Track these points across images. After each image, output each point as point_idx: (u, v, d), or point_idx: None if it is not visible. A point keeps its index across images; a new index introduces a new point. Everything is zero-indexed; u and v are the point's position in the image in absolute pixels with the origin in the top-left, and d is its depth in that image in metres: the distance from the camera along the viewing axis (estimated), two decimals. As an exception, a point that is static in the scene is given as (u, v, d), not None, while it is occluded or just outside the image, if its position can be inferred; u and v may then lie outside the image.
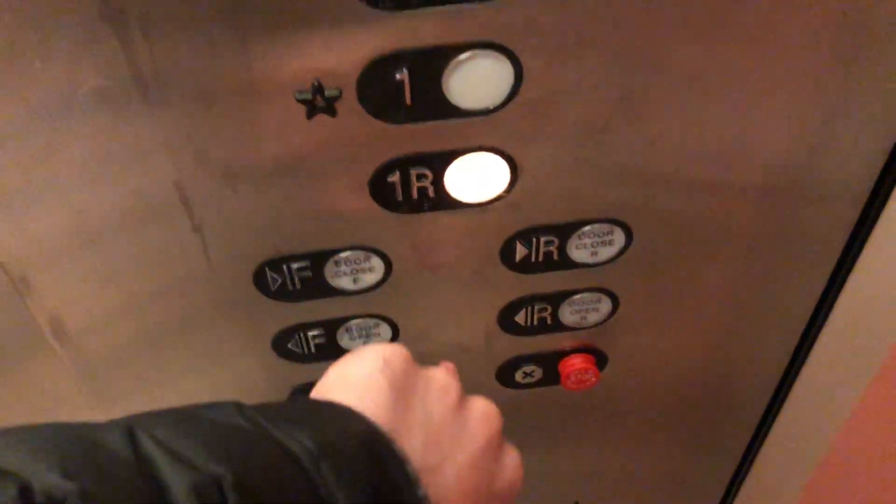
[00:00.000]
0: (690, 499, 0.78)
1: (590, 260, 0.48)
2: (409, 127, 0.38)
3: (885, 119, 0.42)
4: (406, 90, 0.37)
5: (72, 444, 0.22)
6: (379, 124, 0.38)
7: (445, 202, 0.43)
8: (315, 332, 0.50)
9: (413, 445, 0.30)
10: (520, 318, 0.52)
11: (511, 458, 0.35)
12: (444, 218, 0.44)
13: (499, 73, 0.37)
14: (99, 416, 0.52)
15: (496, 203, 0.43)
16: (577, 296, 0.50)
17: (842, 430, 0.58)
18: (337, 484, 0.25)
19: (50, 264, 0.42)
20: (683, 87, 0.39)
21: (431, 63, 0.36)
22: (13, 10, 0.32)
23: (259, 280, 0.45)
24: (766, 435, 0.67)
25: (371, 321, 0.50)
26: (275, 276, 0.45)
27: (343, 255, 0.45)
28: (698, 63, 0.38)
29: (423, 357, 0.53)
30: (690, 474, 0.74)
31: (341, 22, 0.34)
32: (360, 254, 0.45)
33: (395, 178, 0.41)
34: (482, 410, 0.35)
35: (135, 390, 0.52)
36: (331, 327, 0.50)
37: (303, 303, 0.47)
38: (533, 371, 0.56)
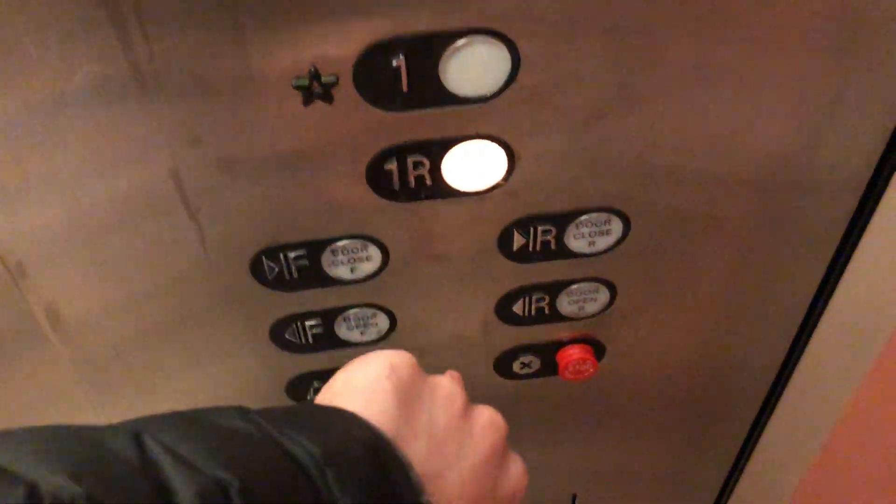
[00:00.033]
0: (688, 493, 0.78)
1: (587, 249, 0.47)
2: (406, 114, 0.38)
3: (882, 108, 0.42)
4: (403, 77, 0.36)
5: (79, 446, 0.22)
6: (376, 111, 0.38)
7: (442, 190, 0.43)
8: (312, 322, 0.49)
9: (417, 452, 0.30)
10: (517, 307, 0.51)
11: (515, 467, 0.36)
12: (441, 207, 0.44)
13: (496, 59, 0.37)
14: (97, 408, 0.52)
15: (493, 192, 0.43)
16: (575, 286, 0.50)
17: (839, 426, 0.58)
18: (341, 490, 0.25)
19: (45, 256, 0.42)
20: (682, 74, 0.39)
21: (428, 49, 0.36)
22: (7, -5, 0.31)
23: (256, 269, 0.45)
24: (762, 430, 0.67)
25: (369, 311, 0.50)
26: (272, 264, 0.45)
27: (340, 243, 0.45)
28: (696, 51, 0.38)
29: (421, 348, 0.53)
30: (687, 469, 0.74)
31: (338, 8, 0.34)
32: (358, 243, 0.45)
33: (392, 165, 0.41)
34: (487, 419, 0.35)
35: (131, 382, 0.51)
36: (328, 317, 0.49)
37: (300, 292, 0.47)
38: (531, 361, 0.56)
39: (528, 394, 0.60)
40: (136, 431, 0.23)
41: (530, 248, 0.47)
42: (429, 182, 0.42)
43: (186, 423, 0.25)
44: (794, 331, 0.58)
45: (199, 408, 0.27)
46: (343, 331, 0.50)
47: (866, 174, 0.46)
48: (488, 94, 0.38)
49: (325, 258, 0.45)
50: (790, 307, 0.56)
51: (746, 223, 0.48)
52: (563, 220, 0.46)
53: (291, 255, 0.45)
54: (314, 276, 0.46)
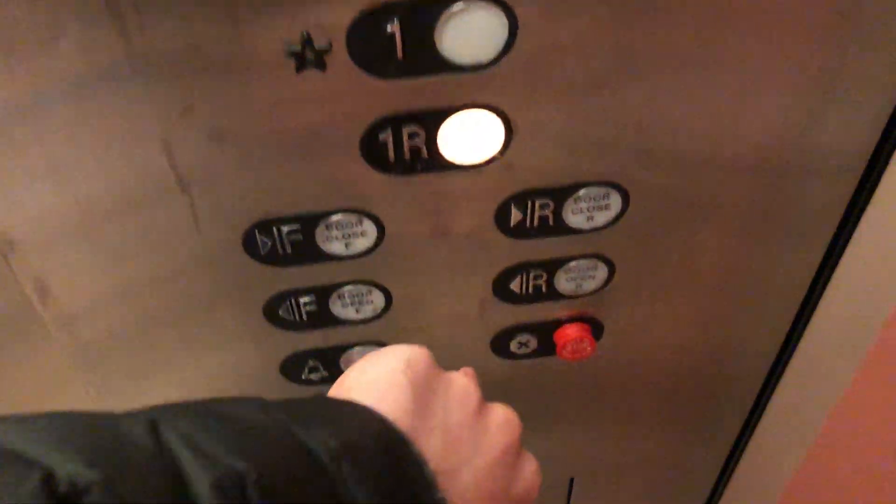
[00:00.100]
0: (685, 478, 0.77)
1: (586, 225, 0.47)
2: (401, 82, 0.38)
3: (881, 92, 0.42)
4: (397, 43, 0.36)
5: (94, 433, 0.22)
6: (370, 80, 0.37)
7: (438, 163, 0.42)
8: (306, 299, 0.49)
9: (432, 448, 0.30)
10: (515, 285, 0.51)
11: (529, 466, 0.35)
12: (437, 180, 0.43)
13: (493, 25, 0.36)
14: (90, 391, 0.52)
15: (490, 165, 0.43)
16: (573, 262, 0.50)
17: (836, 411, 0.57)
18: (356, 483, 0.25)
19: (35, 231, 0.42)
20: (681, 44, 0.38)
21: (423, 15, 0.35)
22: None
23: (249, 244, 0.44)
24: (760, 415, 0.67)
25: (364, 288, 0.49)
26: (265, 239, 0.44)
27: (335, 218, 0.44)
28: (696, 25, 0.38)
29: (418, 327, 0.53)
30: (685, 453, 0.73)
31: (330, -29, 0.33)
32: (353, 217, 0.44)
33: (386, 136, 0.40)
34: (503, 417, 0.35)
35: (126, 364, 0.51)
36: (323, 294, 0.49)
37: (294, 268, 0.47)
38: (528, 341, 0.56)
39: (525, 375, 0.59)
40: (151, 419, 0.23)
41: (528, 224, 0.46)
42: (424, 154, 0.41)
43: (202, 413, 0.25)
44: (792, 313, 0.57)
45: (214, 397, 0.27)
46: (338, 308, 0.50)
47: (865, 157, 0.45)
48: (485, 62, 0.37)
49: (319, 233, 0.44)
50: (788, 289, 0.55)
51: (744, 204, 0.48)
52: (561, 195, 0.45)
53: (285, 229, 0.44)
54: (308, 252, 0.45)
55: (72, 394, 0.52)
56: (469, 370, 0.37)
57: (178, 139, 0.39)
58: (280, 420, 0.26)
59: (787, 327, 0.59)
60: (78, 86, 0.36)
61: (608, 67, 0.39)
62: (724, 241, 0.50)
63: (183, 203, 0.42)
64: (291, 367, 0.54)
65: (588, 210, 0.46)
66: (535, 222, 0.46)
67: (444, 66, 0.37)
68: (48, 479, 0.19)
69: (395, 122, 0.39)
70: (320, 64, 0.36)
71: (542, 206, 0.45)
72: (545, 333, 0.55)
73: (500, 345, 0.56)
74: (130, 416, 0.24)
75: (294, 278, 0.48)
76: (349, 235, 0.45)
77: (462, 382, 0.35)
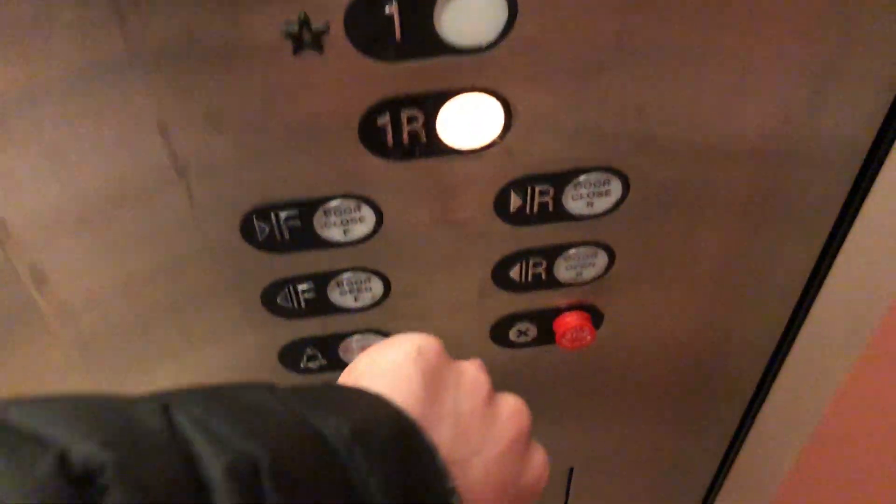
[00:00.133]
0: (684, 468, 0.77)
1: (586, 211, 0.46)
2: (400, 65, 0.37)
3: (882, 80, 0.42)
4: (396, 25, 0.35)
5: (108, 415, 0.22)
6: (368, 62, 0.37)
7: (437, 148, 0.41)
8: (305, 287, 0.48)
9: (442, 437, 0.30)
10: (514, 273, 0.50)
11: (538, 457, 0.36)
12: (436, 166, 0.43)
13: (492, 7, 0.35)
14: (88, 378, 0.51)
15: (490, 150, 0.42)
16: (573, 250, 0.49)
17: (835, 402, 0.57)
18: (370, 470, 0.25)
19: (32, 217, 0.41)
20: (682, 29, 0.38)
21: (422, -5, 0.35)
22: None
23: (246, 230, 0.44)
24: (760, 406, 0.67)
25: (362, 275, 0.49)
26: (262, 225, 0.44)
27: (332, 203, 0.44)
28: (698, 7, 0.37)
29: (417, 315, 0.53)
30: (684, 444, 0.73)
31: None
32: (351, 202, 0.44)
33: (385, 120, 0.39)
34: (513, 407, 0.35)
35: (121, 349, 0.51)
36: (321, 281, 0.48)
37: (292, 254, 0.46)
38: (527, 329, 0.55)
39: (524, 364, 0.59)
40: (164, 403, 0.23)
41: (528, 210, 0.46)
42: (423, 139, 0.41)
43: (215, 398, 0.25)
44: (792, 302, 0.57)
45: (226, 382, 0.27)
46: (336, 296, 0.50)
47: (864, 149, 0.45)
48: (484, 45, 0.37)
49: (318, 219, 0.44)
50: (787, 278, 0.55)
51: (744, 193, 0.48)
52: (561, 181, 0.44)
53: (283, 214, 0.43)
54: (306, 238, 0.45)
55: (70, 383, 0.52)
56: (478, 360, 0.37)
57: (176, 125, 0.38)
58: (292, 405, 0.26)
59: (785, 317, 0.58)
60: (75, 73, 0.35)
61: (609, 51, 0.38)
62: (723, 229, 0.50)
63: (180, 190, 0.42)
64: (290, 356, 0.54)
65: (588, 196, 0.45)
66: (535, 208, 0.46)
67: (444, 48, 0.36)
68: (63, 459, 0.19)
69: (393, 105, 0.39)
70: (318, 46, 0.36)
71: (541, 193, 0.45)
72: (545, 322, 0.55)
73: (499, 333, 0.55)
74: (143, 399, 0.23)
75: (292, 266, 0.47)
76: (347, 221, 0.45)
77: (472, 371, 0.34)
